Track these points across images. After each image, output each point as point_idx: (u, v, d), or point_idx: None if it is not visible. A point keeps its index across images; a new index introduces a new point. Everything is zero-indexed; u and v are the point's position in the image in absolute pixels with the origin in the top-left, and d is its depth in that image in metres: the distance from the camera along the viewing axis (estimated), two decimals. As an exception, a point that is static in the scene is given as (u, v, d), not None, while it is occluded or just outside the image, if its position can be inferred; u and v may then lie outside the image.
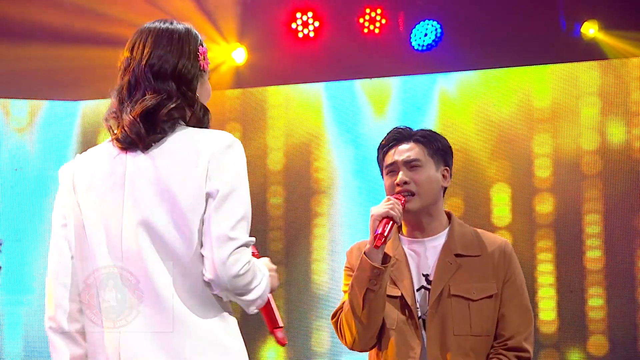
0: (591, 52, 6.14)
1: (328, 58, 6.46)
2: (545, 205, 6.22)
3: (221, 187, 2.60)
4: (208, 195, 2.60)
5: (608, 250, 6.09)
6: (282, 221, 6.63)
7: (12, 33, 6.16)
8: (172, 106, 2.64)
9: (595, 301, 6.08)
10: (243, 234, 2.63)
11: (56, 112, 6.50)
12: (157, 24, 2.73)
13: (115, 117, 2.68)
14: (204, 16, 6.45)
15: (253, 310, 2.70)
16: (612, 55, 6.17)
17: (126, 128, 2.62)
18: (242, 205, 2.64)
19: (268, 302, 2.79)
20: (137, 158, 2.64)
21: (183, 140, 2.65)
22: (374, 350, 3.63)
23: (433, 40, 6.32)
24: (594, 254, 6.11)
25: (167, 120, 2.65)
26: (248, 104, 6.74)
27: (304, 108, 6.65)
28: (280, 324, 2.87)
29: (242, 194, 2.64)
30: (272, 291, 2.78)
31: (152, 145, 2.63)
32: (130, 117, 2.63)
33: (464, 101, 6.40)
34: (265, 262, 2.81)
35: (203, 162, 2.61)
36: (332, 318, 3.65)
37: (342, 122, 6.59)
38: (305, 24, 6.49)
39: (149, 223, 2.61)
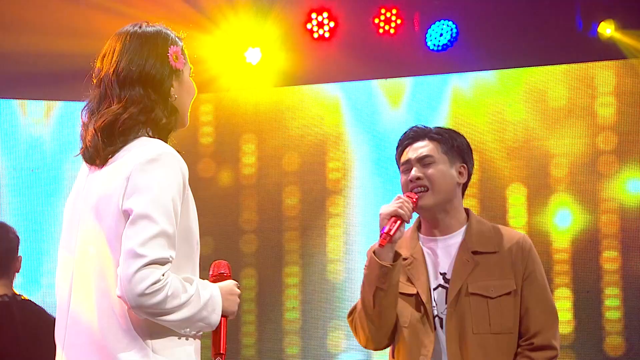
0: (608, 51, 6.12)
1: (343, 58, 6.45)
2: (561, 205, 6.20)
3: (135, 206, 2.52)
4: (125, 213, 2.55)
5: (624, 250, 6.07)
6: (298, 221, 6.63)
7: (28, 33, 6.18)
8: (134, 111, 2.62)
9: (612, 302, 6.05)
10: (155, 251, 2.50)
11: (72, 113, 6.53)
12: (127, 29, 2.72)
13: (85, 130, 2.68)
14: (220, 17, 6.46)
15: (189, 332, 2.61)
16: (630, 54, 6.15)
17: (87, 141, 2.63)
18: (157, 223, 2.52)
19: (218, 326, 2.68)
20: (93, 176, 2.65)
21: (124, 154, 2.62)
22: (390, 349, 3.63)
23: (448, 41, 6.31)
24: (610, 254, 6.09)
25: (129, 127, 2.63)
26: (263, 104, 6.75)
27: (319, 108, 6.65)
28: (222, 350, 2.78)
29: (158, 214, 2.53)
30: (226, 316, 2.69)
31: (108, 159, 2.62)
32: (93, 129, 2.63)
33: (479, 101, 6.38)
34: (225, 285, 2.72)
35: (123, 179, 2.56)
36: (349, 317, 3.65)
37: (357, 123, 6.59)
38: (320, 25, 6.49)
39: (88, 245, 2.60)
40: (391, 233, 3.44)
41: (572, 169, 6.19)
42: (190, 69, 2.82)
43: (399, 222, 3.46)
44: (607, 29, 6.13)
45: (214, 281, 2.74)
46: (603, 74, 6.20)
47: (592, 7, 6.13)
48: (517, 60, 6.25)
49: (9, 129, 6.55)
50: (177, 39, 2.79)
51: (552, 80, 6.28)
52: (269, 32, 6.53)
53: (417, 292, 3.54)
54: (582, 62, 6.22)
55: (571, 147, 6.18)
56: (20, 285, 5.00)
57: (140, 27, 2.73)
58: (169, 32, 2.76)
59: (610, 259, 6.08)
